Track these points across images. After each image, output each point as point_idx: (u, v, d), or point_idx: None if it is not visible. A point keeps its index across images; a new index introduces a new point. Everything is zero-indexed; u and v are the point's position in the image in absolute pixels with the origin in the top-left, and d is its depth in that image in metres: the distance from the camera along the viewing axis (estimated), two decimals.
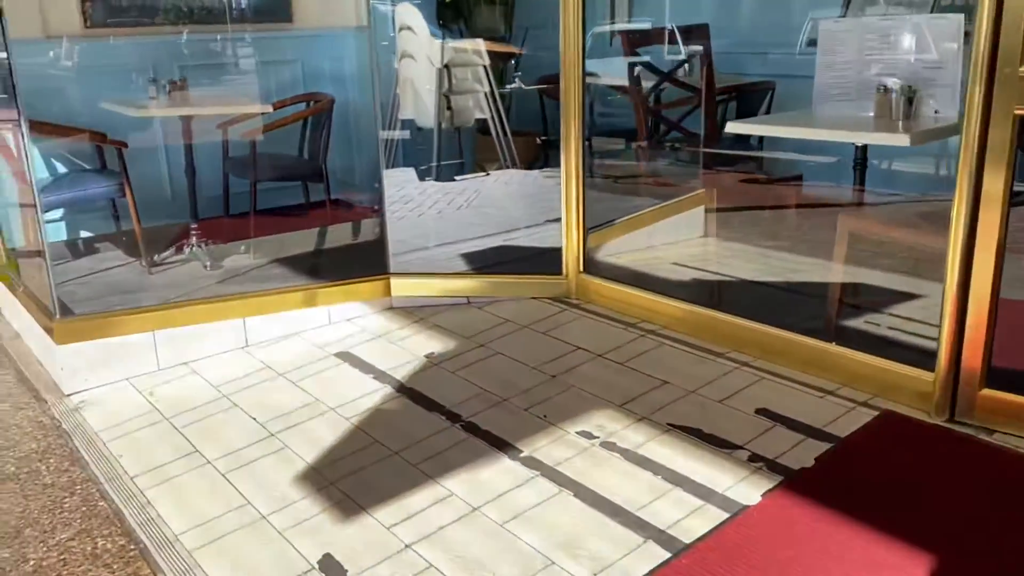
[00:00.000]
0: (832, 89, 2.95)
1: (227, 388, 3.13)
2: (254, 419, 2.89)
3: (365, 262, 3.78)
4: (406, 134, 5.14)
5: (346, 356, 3.29)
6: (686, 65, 4.27)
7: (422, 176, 5.32)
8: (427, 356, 3.21)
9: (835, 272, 3.71)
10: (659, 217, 4.48)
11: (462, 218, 4.96)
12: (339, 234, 4.59)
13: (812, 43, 4.77)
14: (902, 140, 2.56)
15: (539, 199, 5.23)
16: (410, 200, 5.11)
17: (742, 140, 4.53)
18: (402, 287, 3.66)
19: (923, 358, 2.63)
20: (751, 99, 4.55)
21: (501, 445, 2.58)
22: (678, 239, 4.50)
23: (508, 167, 5.38)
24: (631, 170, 5.14)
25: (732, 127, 2.94)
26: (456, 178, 5.44)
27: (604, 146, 4.90)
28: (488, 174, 5.56)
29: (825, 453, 2.39)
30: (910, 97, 2.78)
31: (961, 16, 2.72)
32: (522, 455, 2.52)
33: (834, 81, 2.95)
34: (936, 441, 2.43)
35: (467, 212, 5.03)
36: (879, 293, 3.30)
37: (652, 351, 3.12)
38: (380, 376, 3.10)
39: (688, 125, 4.58)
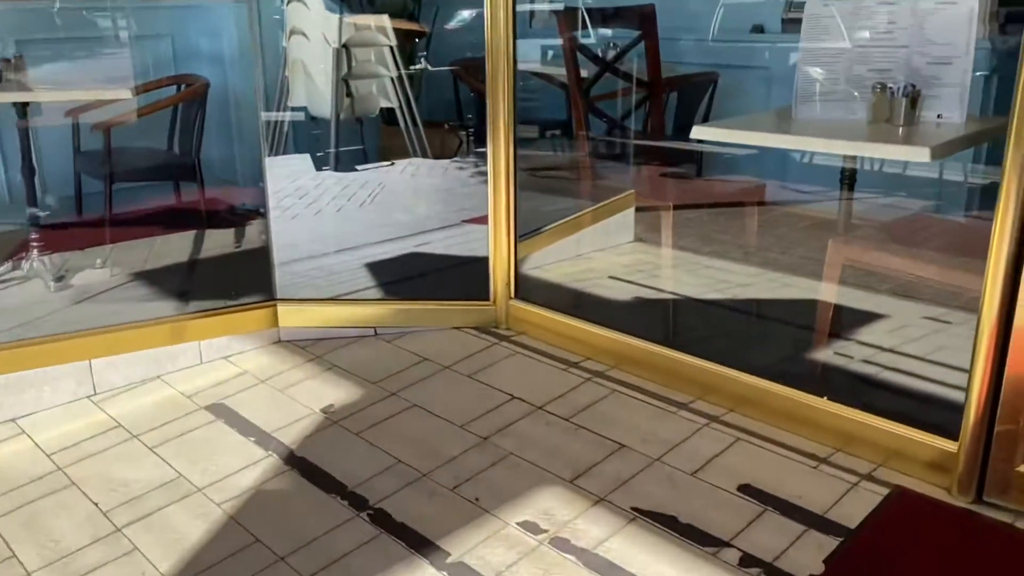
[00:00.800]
0: (816, 86, 2.44)
1: (63, 457, 2.43)
2: (96, 505, 2.21)
3: (246, 281, 3.12)
4: (300, 116, 4.45)
5: (220, 410, 2.62)
6: (628, 52, 3.73)
7: (318, 166, 4.66)
8: (324, 410, 2.58)
9: (801, 290, 3.26)
10: (589, 222, 3.99)
11: (365, 217, 4.33)
12: (215, 244, 3.88)
13: (757, 29, 4.35)
14: (921, 155, 2.06)
15: (451, 193, 4.65)
16: (305, 194, 4.45)
17: (679, 135, 4.04)
18: (292, 316, 3.01)
19: (939, 417, 2.17)
20: (692, 92, 4.06)
21: (421, 545, 1.99)
22: (607, 245, 4.03)
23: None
24: (553, 166, 4.61)
25: (699, 132, 2.41)
26: (358, 168, 4.79)
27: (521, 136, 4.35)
28: (393, 163, 4.94)
29: (834, 554, 1.89)
30: (913, 98, 2.30)
31: (975, 1, 2.25)
32: (450, 560, 1.94)
33: (818, 76, 2.44)
34: (972, 533, 1.96)
35: (370, 210, 4.40)
36: (865, 323, 2.84)
37: (602, 401, 2.57)
38: (263, 440, 2.46)
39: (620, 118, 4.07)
